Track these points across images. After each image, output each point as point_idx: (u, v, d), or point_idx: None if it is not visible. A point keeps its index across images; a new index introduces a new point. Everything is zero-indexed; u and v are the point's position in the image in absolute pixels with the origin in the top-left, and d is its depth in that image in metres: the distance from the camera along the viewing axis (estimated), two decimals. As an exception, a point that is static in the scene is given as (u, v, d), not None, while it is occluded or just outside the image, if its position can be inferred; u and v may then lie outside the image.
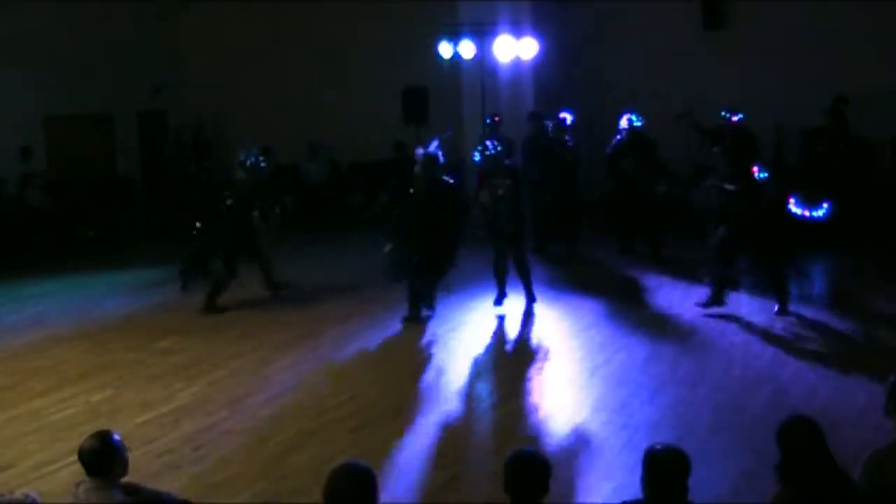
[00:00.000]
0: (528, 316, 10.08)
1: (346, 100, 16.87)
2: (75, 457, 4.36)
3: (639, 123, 12.49)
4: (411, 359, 8.76)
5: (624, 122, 12.55)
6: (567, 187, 12.62)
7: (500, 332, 9.57)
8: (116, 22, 16.96)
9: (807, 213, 12.50)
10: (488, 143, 10.80)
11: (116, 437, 4.34)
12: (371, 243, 10.59)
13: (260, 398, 7.82)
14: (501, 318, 10.00)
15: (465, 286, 10.69)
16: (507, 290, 10.22)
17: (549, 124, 13.07)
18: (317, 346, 9.28)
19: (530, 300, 10.25)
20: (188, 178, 17.48)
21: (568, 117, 12.99)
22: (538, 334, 9.52)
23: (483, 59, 14.57)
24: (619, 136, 12.64)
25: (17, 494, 3.82)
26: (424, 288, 9.83)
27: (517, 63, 14.66)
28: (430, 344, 9.18)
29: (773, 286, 9.69)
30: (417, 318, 9.77)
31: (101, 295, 11.79)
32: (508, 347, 9.13)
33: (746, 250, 9.60)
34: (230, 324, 10.11)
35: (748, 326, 9.43)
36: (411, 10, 16.02)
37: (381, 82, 16.30)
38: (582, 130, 13.81)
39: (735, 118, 13.45)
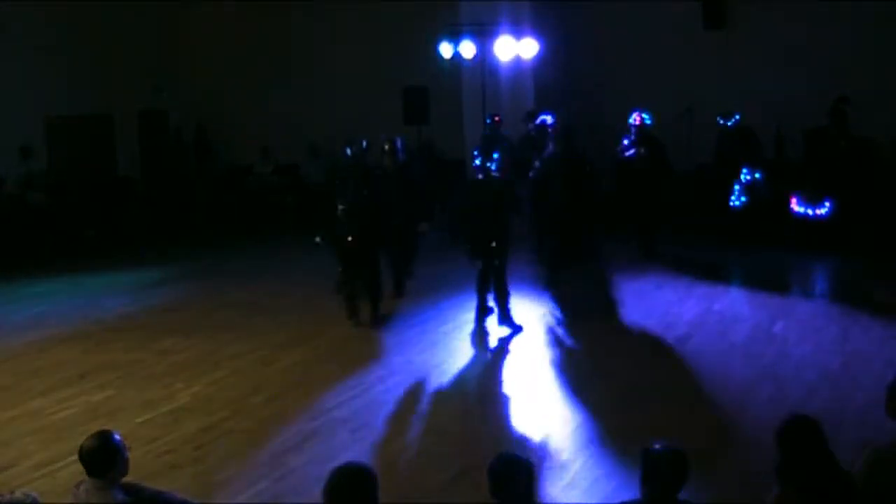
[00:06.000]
0: (525, 317, 10.08)
1: (346, 100, 16.88)
2: (75, 457, 4.35)
3: (649, 122, 12.45)
4: (411, 359, 8.75)
5: (635, 118, 12.43)
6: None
7: (499, 334, 9.56)
8: (117, 22, 16.97)
9: (809, 213, 12.55)
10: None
11: (117, 436, 4.33)
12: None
13: (260, 398, 7.82)
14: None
15: (465, 287, 10.68)
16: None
17: (531, 127, 13.09)
18: (317, 346, 9.28)
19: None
20: (188, 177, 17.55)
21: (548, 119, 12.89)
22: (539, 335, 9.51)
23: (483, 59, 14.57)
24: (627, 137, 12.55)
25: (18, 494, 3.81)
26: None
27: (517, 63, 14.66)
28: (431, 344, 9.17)
29: None
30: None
31: (101, 295, 11.79)
32: (509, 347, 9.11)
33: None
34: (230, 324, 10.11)
35: (748, 326, 9.44)
36: (411, 10, 16.02)
37: (381, 82, 16.30)
38: (582, 130, 13.78)
39: (730, 123, 13.49)
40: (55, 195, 15.50)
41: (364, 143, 10.17)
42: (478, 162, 9.77)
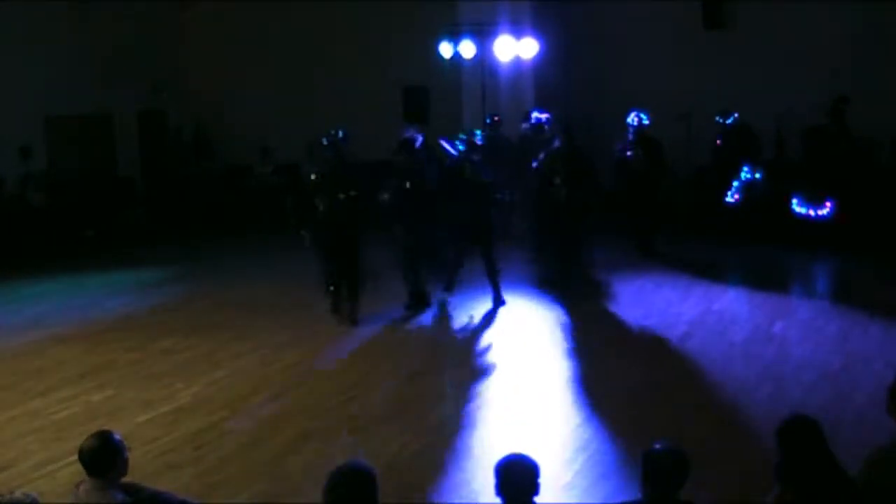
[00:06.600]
0: (525, 317, 10.08)
1: (346, 100, 16.87)
2: (75, 457, 4.35)
3: (646, 122, 12.46)
4: (411, 359, 8.76)
5: (632, 118, 12.44)
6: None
7: (499, 333, 9.56)
8: (116, 22, 16.96)
9: (811, 214, 12.56)
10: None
11: (116, 436, 4.33)
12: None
13: (260, 398, 7.82)
14: (502, 318, 10.00)
15: (465, 287, 10.69)
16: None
17: (525, 127, 13.07)
18: (317, 345, 9.28)
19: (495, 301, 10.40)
20: (188, 177, 17.53)
21: (542, 116, 12.84)
22: (538, 335, 9.51)
23: (483, 59, 14.57)
24: (625, 138, 12.53)
25: (17, 494, 3.81)
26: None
27: (517, 63, 14.66)
28: (431, 344, 9.18)
29: None
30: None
31: (101, 295, 11.78)
32: (508, 348, 9.11)
33: None
34: (230, 324, 10.11)
35: (748, 326, 9.44)
36: (411, 10, 16.01)
37: (381, 82, 16.29)
38: (581, 130, 13.79)
39: (728, 121, 13.53)
40: (55, 195, 15.50)
41: (341, 134, 9.78)
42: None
